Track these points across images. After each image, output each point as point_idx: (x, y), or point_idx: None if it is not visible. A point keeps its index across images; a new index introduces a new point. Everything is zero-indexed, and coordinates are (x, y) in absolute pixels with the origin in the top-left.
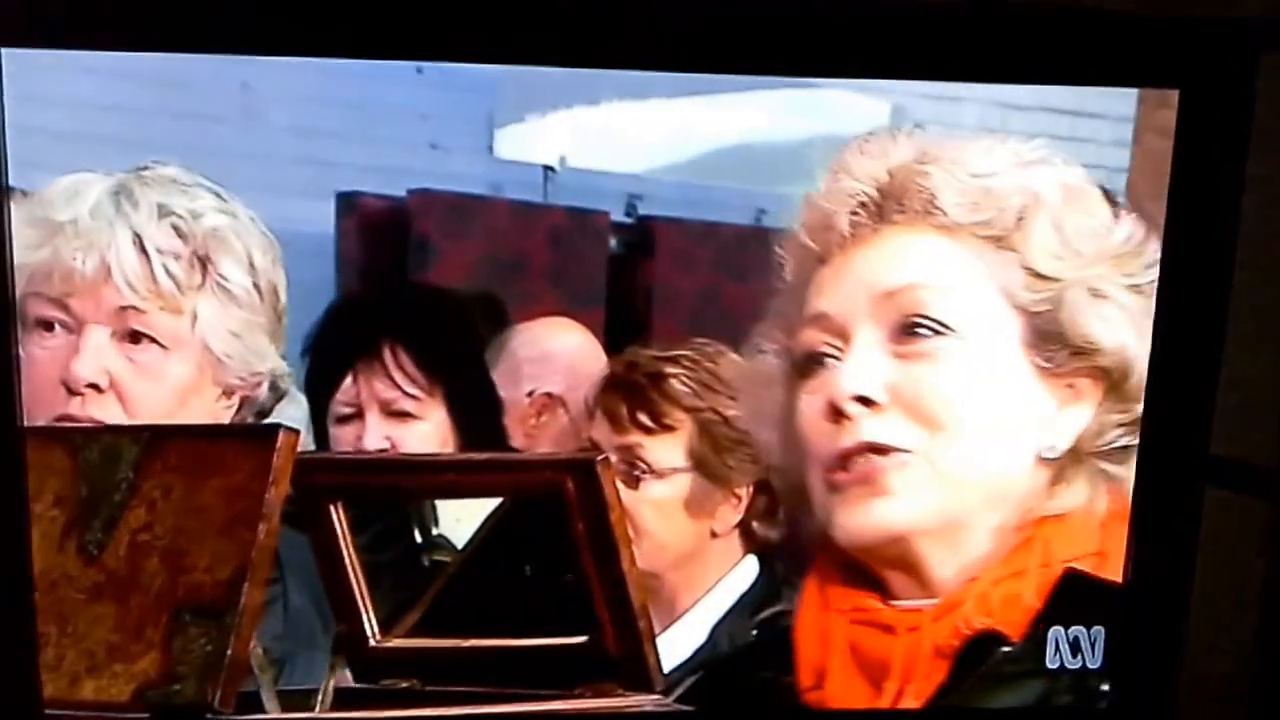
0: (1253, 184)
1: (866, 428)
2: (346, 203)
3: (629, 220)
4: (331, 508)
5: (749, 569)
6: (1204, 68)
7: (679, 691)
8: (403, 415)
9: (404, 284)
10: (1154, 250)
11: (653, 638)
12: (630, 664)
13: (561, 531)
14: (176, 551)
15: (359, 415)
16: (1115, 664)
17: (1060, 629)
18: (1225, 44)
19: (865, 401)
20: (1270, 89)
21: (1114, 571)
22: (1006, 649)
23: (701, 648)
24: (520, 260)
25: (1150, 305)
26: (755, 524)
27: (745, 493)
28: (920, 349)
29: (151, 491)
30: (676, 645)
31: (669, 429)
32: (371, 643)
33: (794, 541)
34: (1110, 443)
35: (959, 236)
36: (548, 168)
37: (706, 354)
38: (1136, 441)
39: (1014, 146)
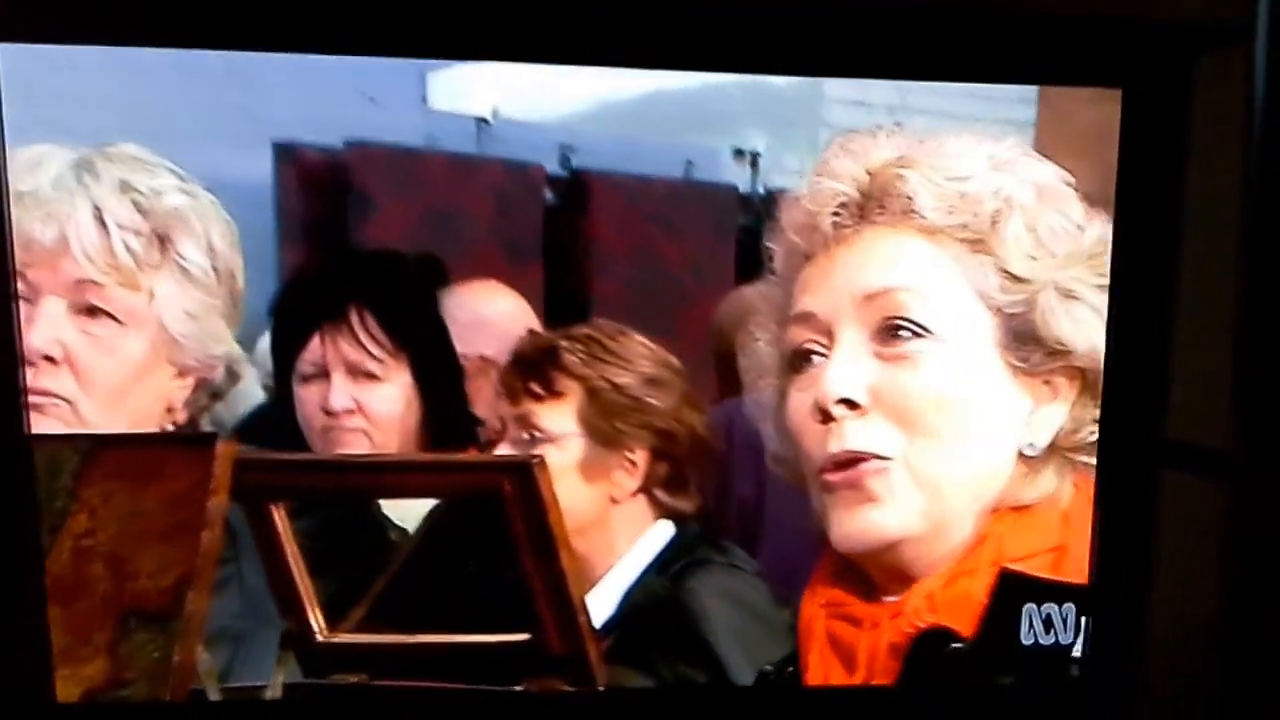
0: (1206, 175)
1: (851, 433)
2: (284, 153)
3: (564, 173)
4: (273, 508)
5: (662, 533)
6: (1144, 68)
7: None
8: (368, 376)
9: (370, 249)
10: None
11: (594, 635)
12: (573, 661)
13: (501, 530)
14: (120, 558)
15: (324, 375)
16: (1088, 640)
17: (1033, 606)
18: (1164, 45)
19: (850, 404)
20: (1213, 88)
21: (1076, 567)
22: (957, 645)
23: (616, 612)
24: (457, 214)
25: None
26: (658, 492)
27: (641, 458)
28: (901, 351)
29: (92, 498)
30: (597, 608)
31: (558, 395)
32: (318, 638)
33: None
34: (1087, 438)
35: (938, 238)
36: (480, 119)
37: (605, 332)
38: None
39: (990, 147)
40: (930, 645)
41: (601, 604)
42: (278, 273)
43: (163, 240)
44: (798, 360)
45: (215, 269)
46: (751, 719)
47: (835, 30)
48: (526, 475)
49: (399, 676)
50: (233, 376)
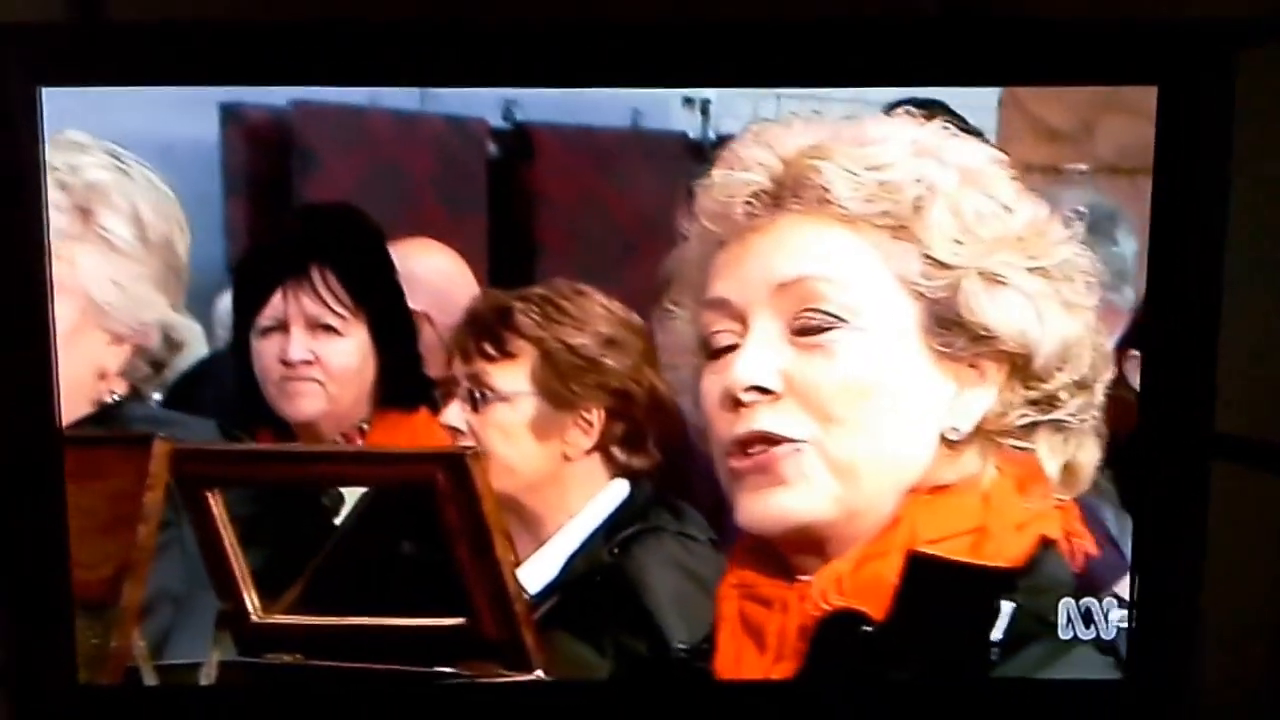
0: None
1: (761, 417)
2: (230, 114)
3: (507, 126)
4: (209, 494)
5: (617, 492)
6: (1178, 65)
7: (541, 611)
8: (326, 330)
9: (329, 207)
10: (1058, 230)
11: (531, 622)
12: (508, 646)
13: (436, 521)
14: None
15: (284, 329)
16: (1132, 638)
17: (1071, 600)
18: (1199, 43)
19: (761, 390)
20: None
21: (996, 549)
22: (867, 628)
23: (563, 570)
24: (402, 169)
25: (1054, 286)
26: (614, 450)
27: (597, 417)
28: (818, 340)
29: None
30: (543, 568)
31: (511, 356)
32: (253, 619)
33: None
34: (1016, 421)
35: (857, 226)
36: None
37: (561, 292)
38: (1045, 417)
39: (913, 131)
40: (839, 628)
41: (547, 564)
42: (225, 231)
43: (84, 213)
44: (711, 346)
45: (144, 239)
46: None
47: (877, 36)
48: (460, 467)
49: (336, 657)
50: (172, 344)
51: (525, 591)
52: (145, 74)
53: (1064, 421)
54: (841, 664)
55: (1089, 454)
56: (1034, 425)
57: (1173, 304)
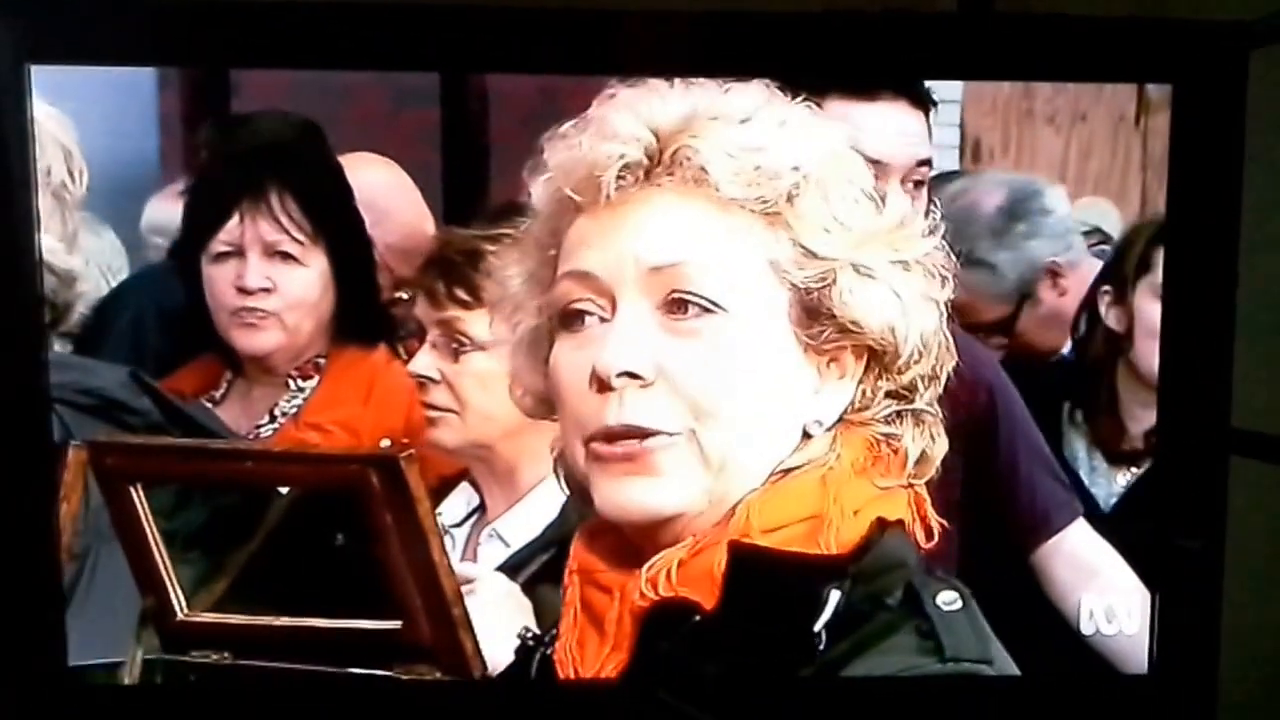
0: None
1: (632, 407)
2: None
3: None
4: (131, 489)
5: None
6: (1193, 63)
7: (531, 570)
8: (285, 257)
9: (289, 124)
10: (920, 224)
11: (469, 625)
12: (445, 650)
13: (369, 524)
14: None
15: (239, 254)
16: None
17: (1094, 598)
18: (1214, 41)
19: (632, 376)
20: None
21: (834, 536)
22: (698, 618)
23: (552, 524)
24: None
25: (916, 280)
26: None
27: None
28: (689, 325)
29: None
30: (528, 520)
31: (485, 303)
32: (178, 616)
33: None
34: (878, 413)
35: (729, 209)
36: None
37: None
38: (909, 407)
39: (783, 111)
40: (669, 618)
41: (530, 517)
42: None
43: None
44: (569, 317)
45: None
46: None
47: (891, 30)
48: (394, 470)
49: (264, 656)
50: (64, 280)
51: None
52: (137, 51)
53: (921, 411)
54: (669, 653)
55: (941, 444)
56: (898, 415)
57: (1189, 301)
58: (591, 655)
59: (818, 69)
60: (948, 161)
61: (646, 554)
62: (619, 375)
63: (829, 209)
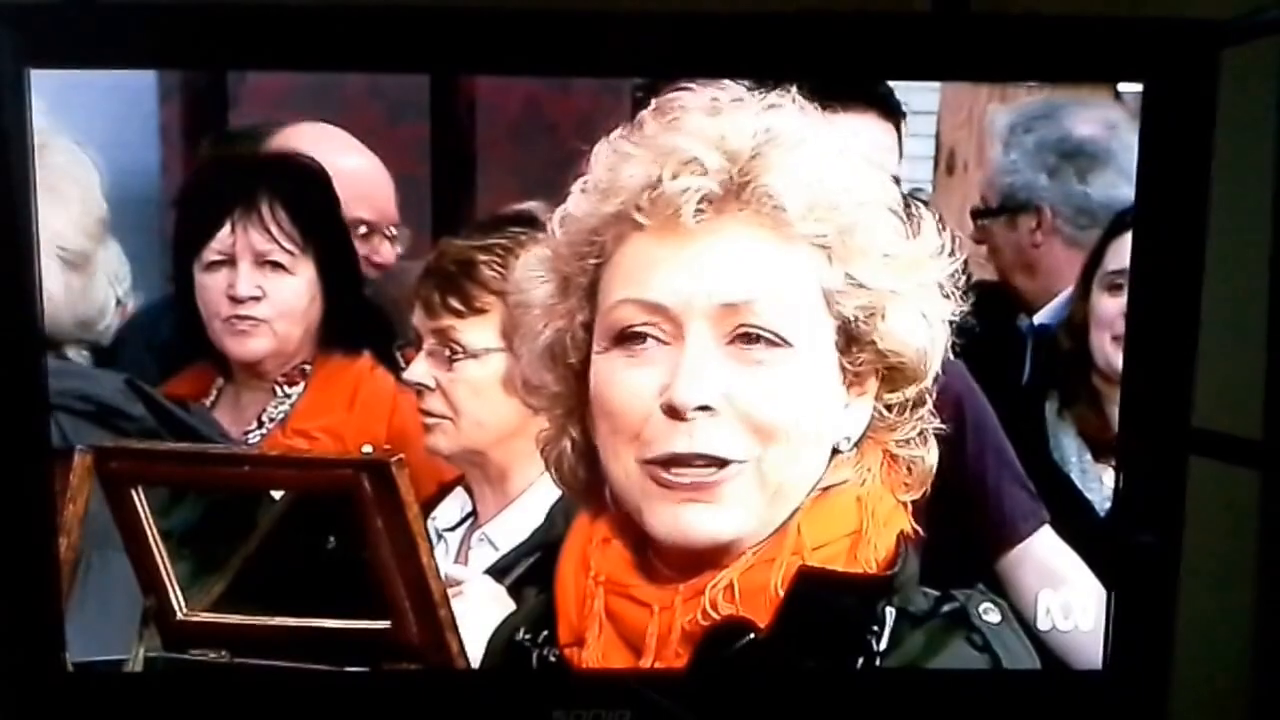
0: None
1: (704, 436)
2: None
3: None
4: (133, 491)
5: None
6: (1164, 63)
7: (517, 573)
8: (275, 266)
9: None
10: (950, 255)
11: (455, 626)
12: (432, 650)
13: (360, 527)
14: None
15: (231, 263)
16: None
17: (1050, 593)
18: (1184, 40)
19: (705, 409)
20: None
21: (871, 551)
22: (751, 637)
23: (539, 528)
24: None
25: (939, 302)
26: None
27: None
28: (756, 356)
29: None
30: (516, 525)
31: (480, 312)
32: (179, 616)
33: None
34: (904, 428)
35: (794, 241)
36: None
37: (520, 242)
38: (922, 423)
39: (839, 141)
40: (726, 636)
41: (519, 521)
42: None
43: None
44: (628, 337)
45: None
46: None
47: (863, 31)
48: (384, 474)
49: (260, 654)
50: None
51: (449, 598)
52: (135, 56)
53: (933, 425)
54: (725, 671)
55: (934, 454)
56: (920, 432)
57: (1154, 300)
58: (629, 661)
59: (788, 70)
60: (921, 172)
61: (666, 568)
62: (696, 409)
63: (877, 240)
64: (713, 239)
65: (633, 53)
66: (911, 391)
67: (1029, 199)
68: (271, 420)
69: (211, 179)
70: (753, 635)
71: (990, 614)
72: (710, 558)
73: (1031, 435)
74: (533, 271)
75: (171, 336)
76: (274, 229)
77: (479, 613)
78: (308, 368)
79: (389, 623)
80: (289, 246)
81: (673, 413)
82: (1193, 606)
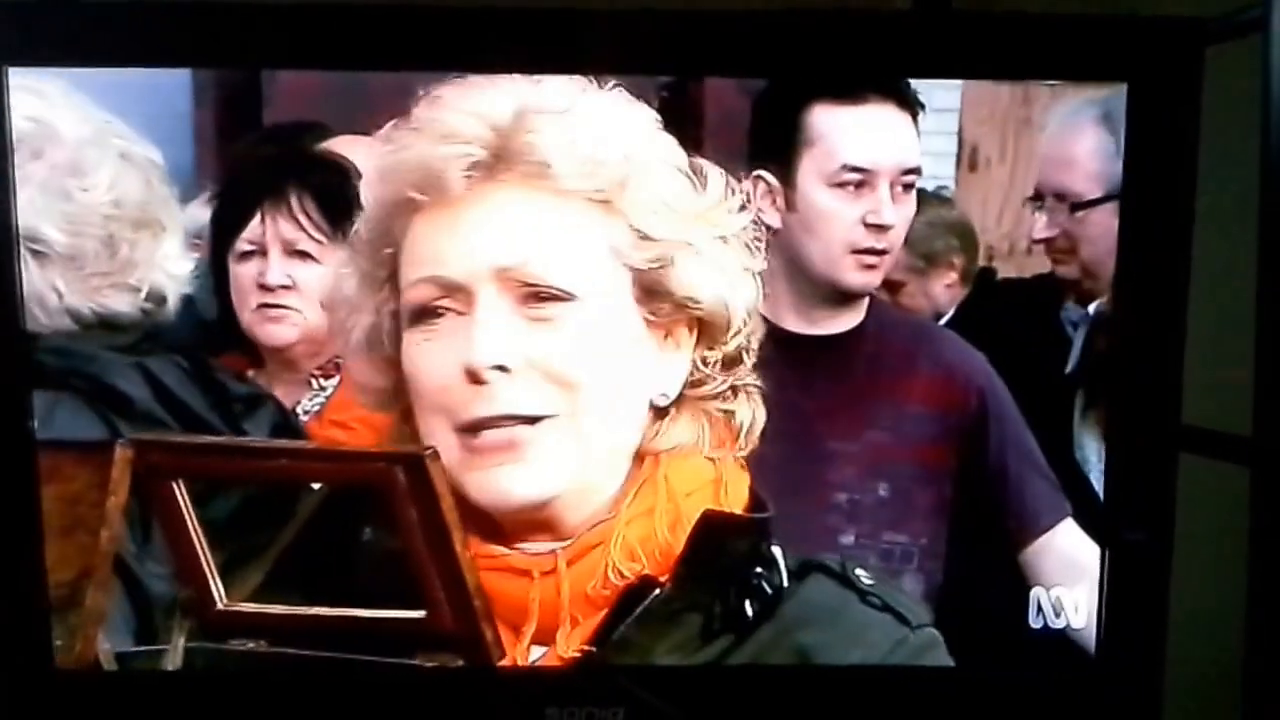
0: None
1: (505, 396)
2: None
3: None
4: (174, 484)
5: None
6: (1148, 62)
7: None
8: (304, 255)
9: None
10: (735, 199)
11: (490, 616)
12: (467, 641)
13: (394, 519)
14: None
15: (262, 253)
16: (1102, 628)
17: (1042, 590)
18: (1168, 39)
19: (503, 369)
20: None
21: (734, 497)
22: (657, 591)
23: None
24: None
25: (736, 253)
26: None
27: None
28: (547, 313)
29: None
30: None
31: None
32: (218, 606)
33: None
34: (718, 388)
35: (570, 200)
36: None
37: None
38: (738, 381)
39: (599, 100)
40: (636, 594)
41: None
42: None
43: None
44: (422, 315)
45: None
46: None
47: (843, 28)
48: (419, 467)
49: (297, 644)
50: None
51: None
52: (117, 55)
53: (746, 384)
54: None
55: (761, 413)
56: (733, 389)
57: (1141, 299)
58: (507, 637)
59: (768, 68)
60: (944, 169)
61: (515, 536)
62: (492, 369)
63: (655, 192)
64: (486, 205)
65: (615, 49)
66: (731, 346)
67: None
68: (306, 412)
69: (244, 173)
70: (658, 590)
71: (869, 575)
72: (553, 524)
73: (1058, 434)
74: (341, 269)
75: (206, 329)
76: (302, 219)
77: None
78: (342, 361)
79: (424, 613)
80: (317, 236)
81: (472, 376)
82: (1184, 602)
